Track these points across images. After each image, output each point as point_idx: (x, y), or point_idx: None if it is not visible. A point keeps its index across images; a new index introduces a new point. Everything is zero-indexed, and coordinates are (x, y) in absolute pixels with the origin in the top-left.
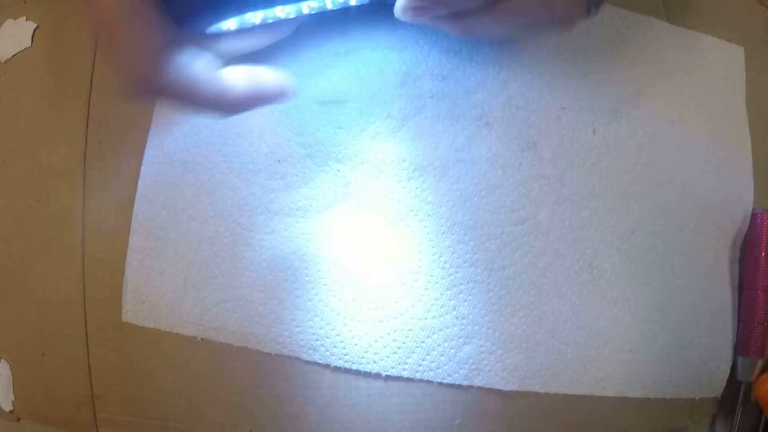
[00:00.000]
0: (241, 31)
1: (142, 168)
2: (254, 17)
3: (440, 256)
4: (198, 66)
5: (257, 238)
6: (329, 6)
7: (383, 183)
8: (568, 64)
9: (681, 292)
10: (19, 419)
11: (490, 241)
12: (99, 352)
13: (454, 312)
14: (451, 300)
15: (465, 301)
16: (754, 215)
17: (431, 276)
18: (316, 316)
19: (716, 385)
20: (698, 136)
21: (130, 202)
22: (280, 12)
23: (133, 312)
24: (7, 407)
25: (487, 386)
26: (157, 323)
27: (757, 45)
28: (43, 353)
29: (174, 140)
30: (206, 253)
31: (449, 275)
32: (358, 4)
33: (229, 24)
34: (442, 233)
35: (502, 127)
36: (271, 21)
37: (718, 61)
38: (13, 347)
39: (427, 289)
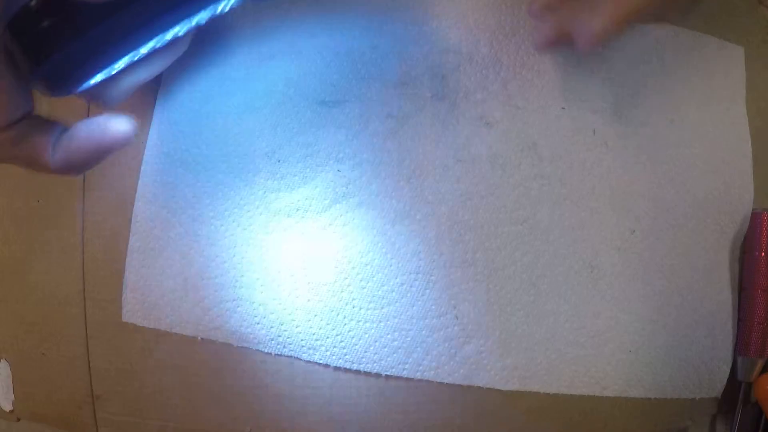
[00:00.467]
0: (129, 68)
1: (142, 168)
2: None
3: (440, 256)
4: (38, 142)
5: (257, 238)
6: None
7: (383, 183)
8: (568, 64)
9: (681, 292)
10: (19, 419)
11: (490, 240)
12: (99, 351)
13: (454, 312)
14: (451, 300)
15: (465, 300)
16: (754, 215)
17: (431, 276)
18: (315, 315)
19: (716, 385)
20: (698, 136)
21: (131, 202)
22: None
23: (132, 312)
24: (7, 407)
25: (487, 386)
26: (157, 323)
27: (757, 45)
28: (43, 353)
29: (174, 140)
30: (206, 253)
31: (449, 275)
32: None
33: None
34: (442, 233)
35: (502, 127)
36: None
37: (718, 61)
38: (14, 347)
39: (426, 289)
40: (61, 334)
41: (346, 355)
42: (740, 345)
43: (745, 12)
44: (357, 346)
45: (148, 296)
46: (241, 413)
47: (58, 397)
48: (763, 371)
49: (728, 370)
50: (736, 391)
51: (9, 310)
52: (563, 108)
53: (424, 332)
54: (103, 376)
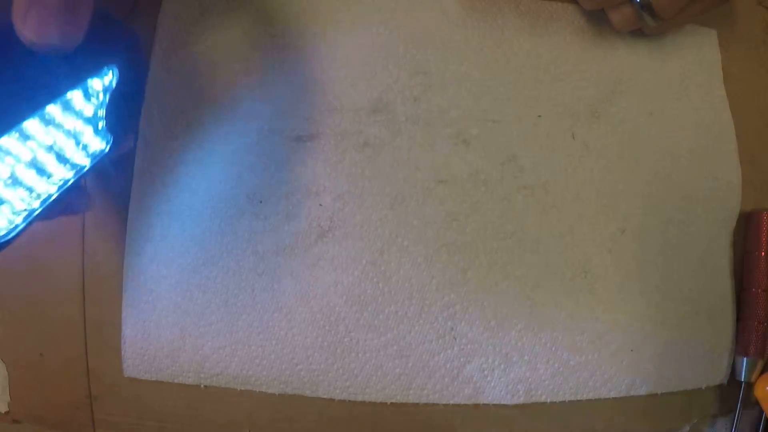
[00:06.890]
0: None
1: (128, 222)
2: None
3: (431, 279)
4: None
5: (248, 281)
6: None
7: (366, 212)
8: (540, 71)
9: (677, 284)
10: (15, 421)
11: (480, 258)
12: (97, 352)
13: (452, 333)
14: (448, 321)
15: (461, 321)
16: (754, 215)
17: (425, 300)
18: (314, 352)
19: (720, 372)
20: (679, 125)
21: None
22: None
23: (133, 366)
24: (3, 408)
25: (494, 402)
26: (159, 375)
27: (756, 45)
28: (41, 354)
29: (156, 193)
30: (199, 301)
31: (442, 297)
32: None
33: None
34: (431, 256)
35: (480, 143)
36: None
37: (692, 48)
38: (12, 348)
39: (422, 313)
40: (60, 334)
41: (349, 387)
42: (740, 345)
43: (745, 12)
44: (359, 378)
45: (147, 349)
46: (239, 414)
47: (55, 398)
48: (763, 371)
49: (730, 356)
50: (736, 391)
51: (8, 310)
52: (539, 116)
53: (424, 356)
54: (102, 377)
